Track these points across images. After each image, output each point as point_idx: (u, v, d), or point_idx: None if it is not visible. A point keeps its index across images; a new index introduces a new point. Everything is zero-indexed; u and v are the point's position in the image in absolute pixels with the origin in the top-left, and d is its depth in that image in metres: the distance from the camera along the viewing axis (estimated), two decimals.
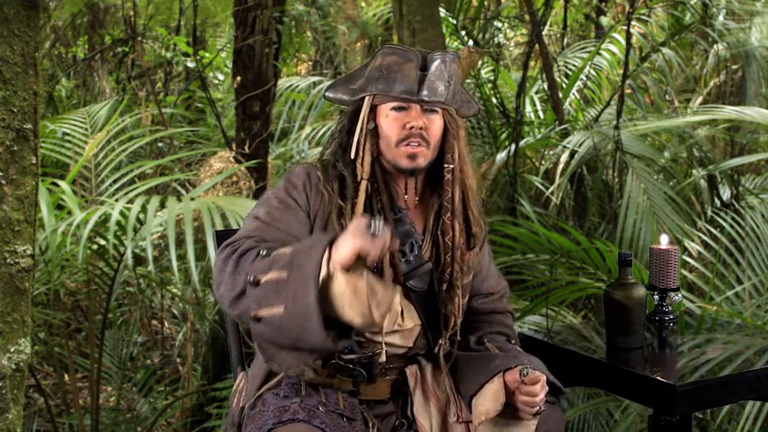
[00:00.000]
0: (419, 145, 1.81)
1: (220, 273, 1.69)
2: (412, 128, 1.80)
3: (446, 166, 1.86)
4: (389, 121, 1.82)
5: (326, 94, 1.92)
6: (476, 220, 1.91)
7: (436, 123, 1.83)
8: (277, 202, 1.82)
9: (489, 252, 2.05)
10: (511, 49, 7.09)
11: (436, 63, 1.82)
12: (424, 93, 1.80)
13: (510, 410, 1.76)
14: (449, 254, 1.86)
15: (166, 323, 4.52)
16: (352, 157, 1.84)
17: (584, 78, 5.19)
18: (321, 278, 1.52)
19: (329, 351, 1.62)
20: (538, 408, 1.73)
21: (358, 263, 1.54)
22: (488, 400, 1.75)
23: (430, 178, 1.90)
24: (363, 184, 1.82)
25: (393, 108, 1.82)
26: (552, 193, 4.45)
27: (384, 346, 1.83)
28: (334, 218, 1.81)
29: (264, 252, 1.63)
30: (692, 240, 3.81)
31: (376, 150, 1.85)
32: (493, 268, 2.05)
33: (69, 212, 2.83)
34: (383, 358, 1.83)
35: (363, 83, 1.87)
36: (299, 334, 1.55)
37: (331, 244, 1.56)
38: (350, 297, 1.51)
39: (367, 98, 1.85)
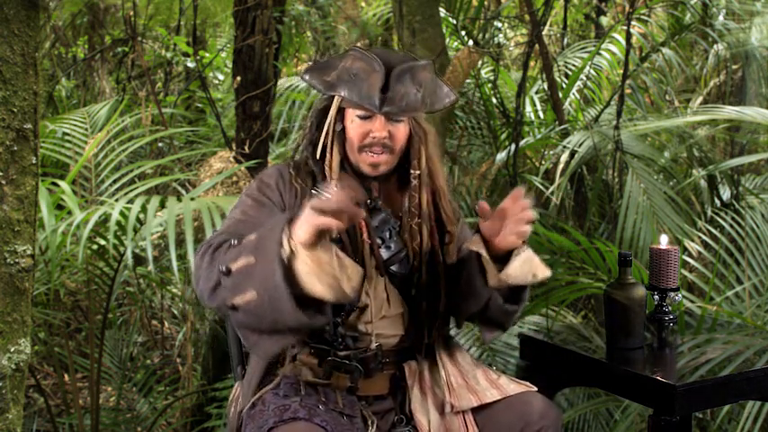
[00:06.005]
0: (381, 153, 1.84)
1: (198, 269, 1.71)
2: (375, 138, 1.83)
3: (412, 171, 1.89)
4: (354, 127, 1.85)
5: (304, 75, 1.93)
6: (449, 219, 1.93)
7: (401, 131, 1.86)
8: (251, 201, 1.86)
9: (468, 227, 2.05)
10: (511, 49, 7.09)
11: (401, 78, 1.81)
12: (386, 108, 1.81)
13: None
14: (417, 259, 1.88)
15: (166, 323, 4.52)
16: (318, 157, 1.88)
17: (584, 78, 5.19)
18: (285, 257, 1.53)
19: (307, 328, 1.61)
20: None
21: (323, 238, 1.54)
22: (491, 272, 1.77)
23: (400, 177, 1.93)
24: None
25: (358, 115, 1.85)
26: (552, 193, 4.44)
27: (374, 333, 1.85)
28: None
29: (235, 242, 1.65)
30: (692, 240, 3.81)
31: (343, 151, 1.88)
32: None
33: (69, 212, 2.83)
34: (373, 345, 1.84)
35: (335, 80, 1.88)
36: (274, 316, 1.56)
37: (291, 222, 1.57)
38: (315, 271, 1.52)
39: (336, 99, 1.88)
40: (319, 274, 1.52)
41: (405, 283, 1.89)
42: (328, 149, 1.88)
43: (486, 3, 6.17)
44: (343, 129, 1.87)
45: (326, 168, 1.87)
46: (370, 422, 1.81)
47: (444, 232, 1.93)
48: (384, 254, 1.86)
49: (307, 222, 1.52)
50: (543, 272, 1.77)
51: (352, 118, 1.86)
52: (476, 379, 1.87)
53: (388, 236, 1.87)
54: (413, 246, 1.88)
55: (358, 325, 1.85)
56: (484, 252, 1.75)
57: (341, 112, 1.88)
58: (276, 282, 1.53)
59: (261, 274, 1.55)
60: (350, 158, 1.88)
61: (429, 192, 1.91)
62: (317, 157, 1.88)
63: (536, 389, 1.87)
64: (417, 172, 1.89)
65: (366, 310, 1.85)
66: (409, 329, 1.90)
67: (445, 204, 1.93)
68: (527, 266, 1.75)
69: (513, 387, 1.85)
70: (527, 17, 5.37)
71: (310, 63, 1.99)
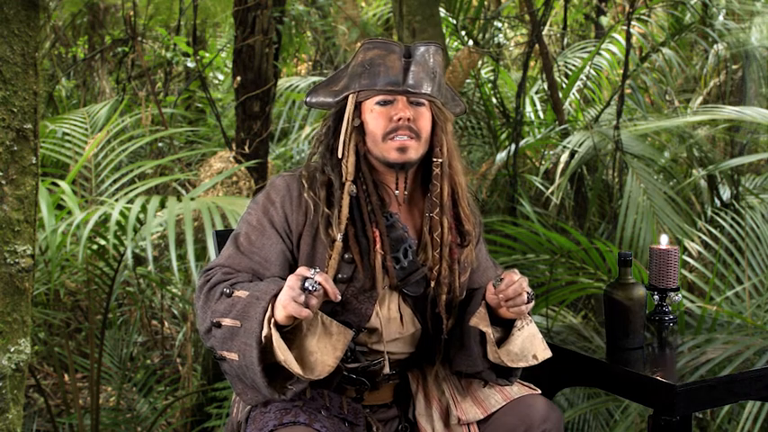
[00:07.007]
0: (409, 138, 1.75)
1: (196, 301, 1.75)
2: (399, 119, 1.75)
3: (435, 160, 1.80)
4: (375, 116, 1.77)
5: (307, 99, 1.87)
6: (467, 217, 1.85)
7: (424, 116, 1.78)
8: (255, 221, 1.79)
9: (486, 248, 2.02)
10: (511, 49, 7.09)
11: (420, 50, 1.78)
12: (410, 82, 1.76)
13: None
14: (437, 250, 1.80)
15: (166, 323, 4.52)
16: (340, 156, 1.79)
17: (585, 78, 5.19)
18: (263, 337, 1.58)
19: (278, 399, 1.68)
20: (527, 297, 1.70)
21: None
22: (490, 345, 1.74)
23: (420, 179, 1.86)
24: (347, 186, 1.77)
25: (378, 102, 1.77)
26: (552, 193, 4.44)
27: (387, 356, 1.81)
28: (321, 229, 1.76)
29: (228, 290, 1.68)
30: (692, 240, 3.81)
31: (363, 148, 1.80)
32: (490, 262, 2.01)
33: (69, 212, 2.83)
34: (387, 369, 1.81)
35: (347, 81, 1.82)
36: (252, 382, 1.65)
37: (276, 296, 1.59)
38: (285, 353, 1.56)
39: (351, 96, 1.80)
40: (288, 356, 1.56)
41: (419, 302, 1.83)
42: (346, 148, 1.78)
43: (486, 3, 6.17)
44: (362, 124, 1.79)
45: (344, 168, 1.78)
46: (375, 429, 1.80)
47: (462, 232, 1.86)
48: (398, 273, 1.78)
49: (283, 306, 1.55)
50: (543, 353, 1.75)
51: (371, 108, 1.78)
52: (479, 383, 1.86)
53: (402, 255, 1.79)
54: (433, 238, 1.80)
55: (368, 344, 1.81)
56: (489, 331, 1.72)
57: (357, 108, 1.80)
58: (253, 359, 1.59)
59: (242, 342, 1.61)
60: (372, 152, 1.79)
61: (449, 184, 1.82)
62: (336, 159, 1.79)
63: (539, 391, 1.85)
64: (440, 160, 1.80)
65: (375, 332, 1.80)
66: (421, 347, 1.87)
67: (463, 202, 1.86)
68: (528, 343, 1.73)
69: (515, 389, 1.84)
70: (527, 17, 5.37)
71: (312, 87, 1.91)
